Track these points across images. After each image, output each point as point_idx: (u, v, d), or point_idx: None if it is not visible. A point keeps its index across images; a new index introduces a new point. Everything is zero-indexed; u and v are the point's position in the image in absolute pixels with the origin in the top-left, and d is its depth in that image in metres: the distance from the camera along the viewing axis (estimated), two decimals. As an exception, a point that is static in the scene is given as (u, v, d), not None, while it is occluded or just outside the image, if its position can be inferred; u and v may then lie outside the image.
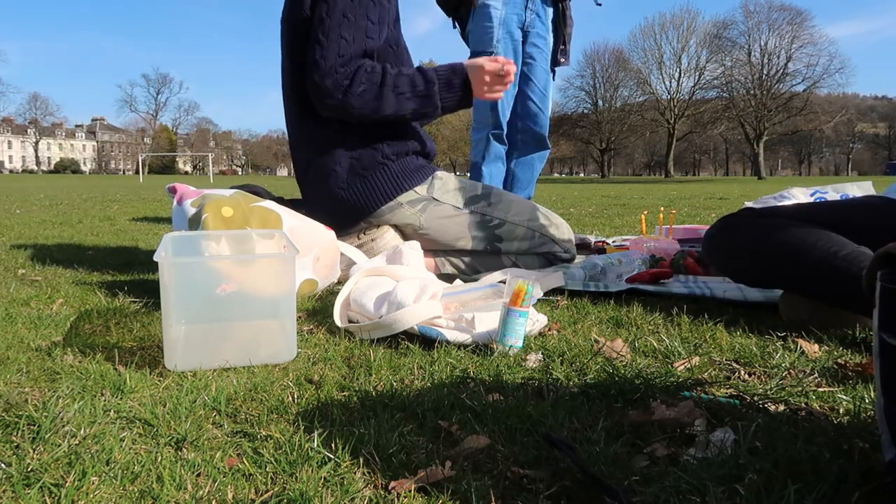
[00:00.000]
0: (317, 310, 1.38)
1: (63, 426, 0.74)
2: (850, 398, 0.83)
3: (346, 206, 1.69)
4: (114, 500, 0.60)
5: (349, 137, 1.66)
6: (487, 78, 1.63)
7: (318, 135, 1.68)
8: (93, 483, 0.62)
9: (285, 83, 1.73)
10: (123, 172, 77.08)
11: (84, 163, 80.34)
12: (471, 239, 1.75)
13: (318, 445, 0.70)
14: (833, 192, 2.09)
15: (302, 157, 1.75)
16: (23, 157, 76.89)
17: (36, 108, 77.17)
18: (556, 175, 76.11)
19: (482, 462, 0.67)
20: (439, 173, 1.77)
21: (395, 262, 1.52)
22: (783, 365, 0.97)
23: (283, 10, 1.69)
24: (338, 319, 1.20)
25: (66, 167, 73.87)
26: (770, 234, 1.22)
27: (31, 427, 0.75)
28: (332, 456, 0.68)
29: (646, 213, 3.06)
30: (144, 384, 0.90)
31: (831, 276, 1.12)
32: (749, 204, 2.31)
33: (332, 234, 1.57)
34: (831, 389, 0.87)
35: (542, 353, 1.04)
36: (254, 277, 1.05)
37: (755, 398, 0.84)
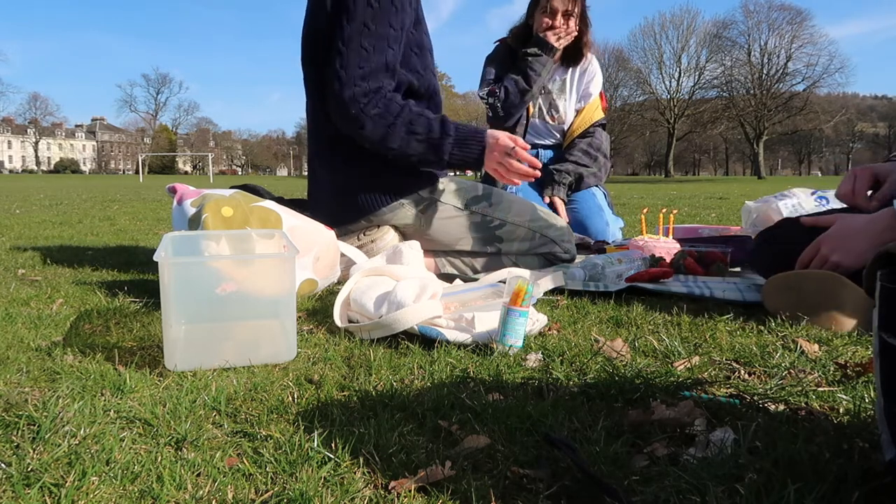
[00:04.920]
0: (317, 310, 1.38)
1: (63, 426, 0.74)
2: (850, 398, 0.83)
3: (347, 202, 1.70)
4: (114, 500, 0.60)
5: None
6: (496, 154, 1.58)
7: (331, 128, 1.69)
8: (93, 483, 0.62)
9: (305, 78, 1.74)
10: (123, 172, 77.04)
11: (84, 163, 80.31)
12: (471, 240, 1.75)
13: (318, 445, 0.70)
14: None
15: (314, 145, 1.76)
16: (23, 157, 76.88)
17: (36, 107, 77.17)
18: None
19: (482, 462, 0.67)
20: (443, 178, 1.77)
21: (395, 261, 1.52)
22: (783, 365, 0.97)
23: (303, 26, 1.68)
24: (338, 319, 1.20)
25: (66, 167, 73.85)
26: None
27: (31, 427, 0.75)
28: (332, 456, 0.68)
29: (646, 210, 3.06)
30: (144, 384, 0.90)
31: None
32: (750, 203, 2.32)
33: (332, 234, 1.57)
34: (831, 389, 0.87)
35: (542, 353, 1.04)
36: (254, 277, 1.05)
37: (755, 398, 0.84)
